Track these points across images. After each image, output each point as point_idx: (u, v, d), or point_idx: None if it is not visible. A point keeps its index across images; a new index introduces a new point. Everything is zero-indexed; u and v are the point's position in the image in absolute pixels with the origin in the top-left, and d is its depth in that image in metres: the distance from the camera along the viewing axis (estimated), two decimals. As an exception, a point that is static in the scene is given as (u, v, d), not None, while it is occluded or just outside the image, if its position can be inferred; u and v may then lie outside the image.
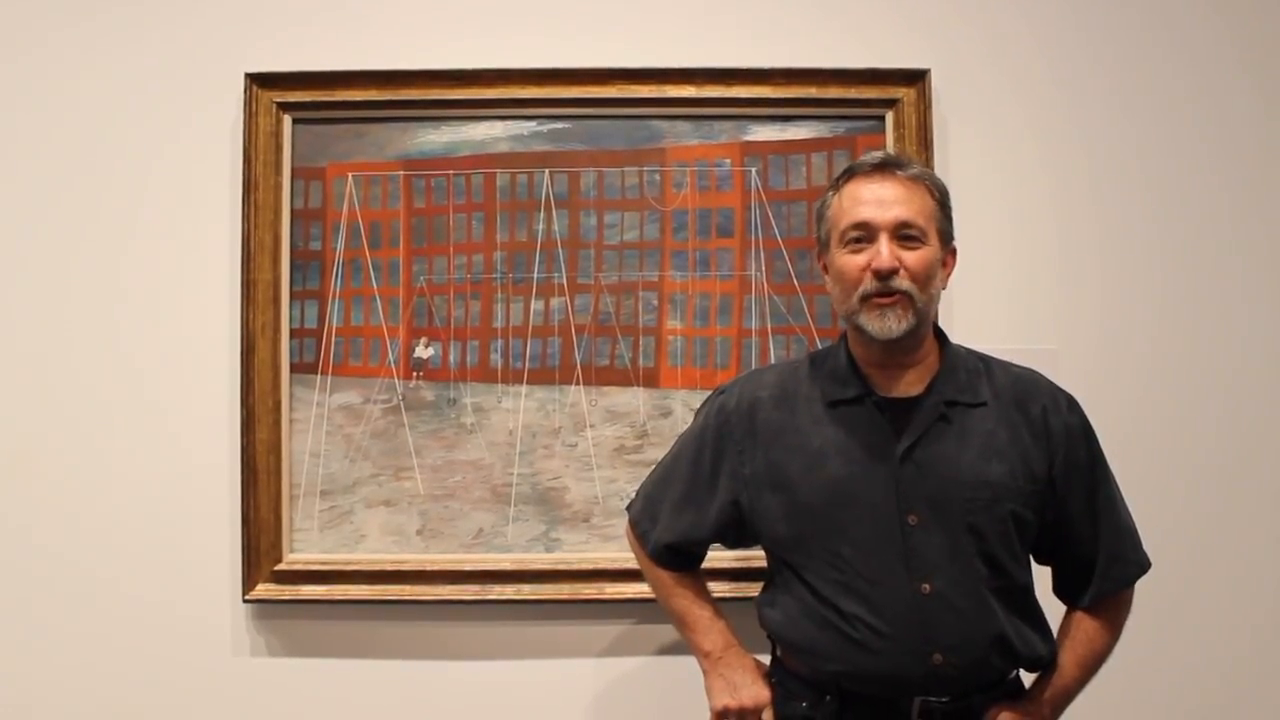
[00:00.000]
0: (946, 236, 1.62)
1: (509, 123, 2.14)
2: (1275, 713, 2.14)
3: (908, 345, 1.59)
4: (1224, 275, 2.16)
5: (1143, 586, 1.68)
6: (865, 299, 1.55)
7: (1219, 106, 2.18)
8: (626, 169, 2.14)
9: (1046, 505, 1.61)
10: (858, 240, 1.57)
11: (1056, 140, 2.16)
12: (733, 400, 1.71)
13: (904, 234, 1.55)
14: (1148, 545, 1.69)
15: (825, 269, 1.66)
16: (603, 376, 2.13)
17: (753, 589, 1.81)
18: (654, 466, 1.84)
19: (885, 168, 1.59)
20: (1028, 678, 1.68)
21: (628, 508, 1.85)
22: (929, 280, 1.56)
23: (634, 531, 1.81)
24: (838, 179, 1.64)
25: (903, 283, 1.54)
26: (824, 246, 1.65)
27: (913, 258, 1.55)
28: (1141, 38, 2.18)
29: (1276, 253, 2.17)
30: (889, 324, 1.54)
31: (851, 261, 1.57)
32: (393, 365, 2.12)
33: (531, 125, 2.14)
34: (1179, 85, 2.18)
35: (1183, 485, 2.14)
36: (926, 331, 1.62)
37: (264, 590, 2.07)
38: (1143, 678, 2.08)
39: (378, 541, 2.11)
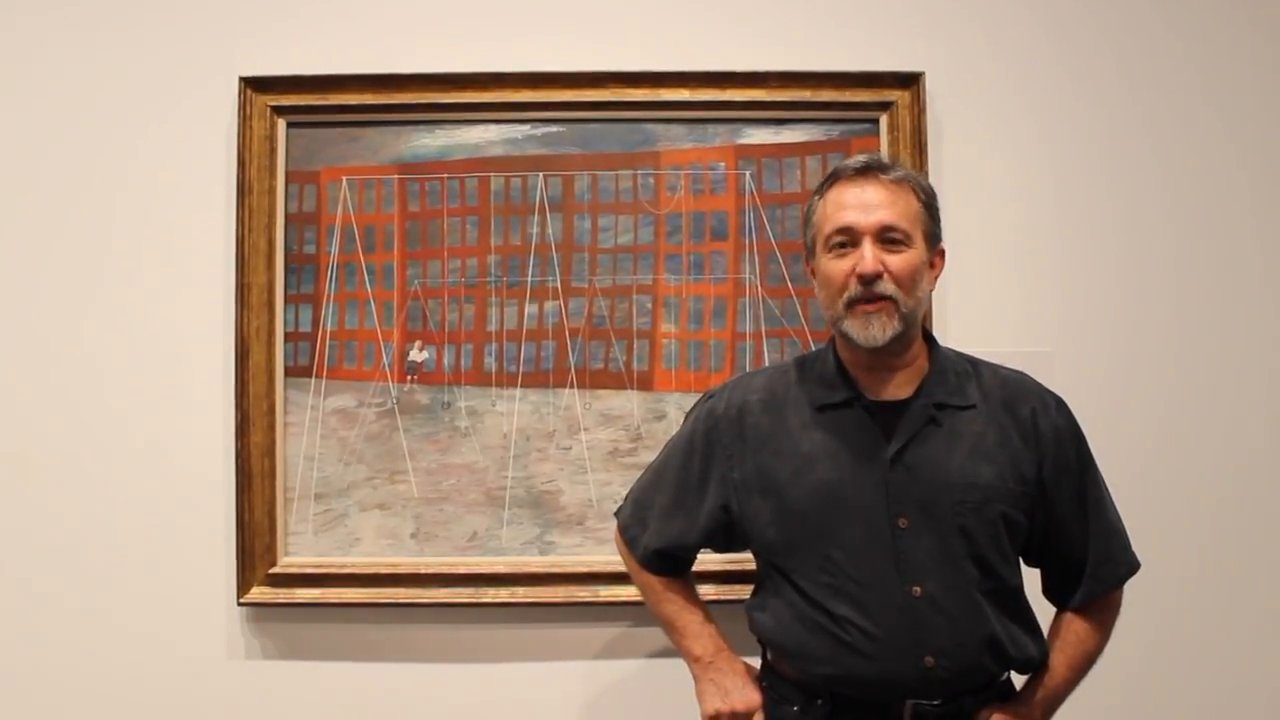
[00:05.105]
0: (933, 238, 1.61)
1: (503, 126, 2.14)
2: (1266, 714, 2.13)
3: (895, 349, 1.58)
4: (1219, 276, 2.16)
5: (1134, 587, 1.68)
6: (850, 305, 1.55)
7: (1215, 109, 2.17)
8: (621, 172, 2.14)
9: (1036, 507, 1.60)
10: (842, 245, 1.56)
11: (1050, 142, 2.16)
12: (721, 405, 1.70)
13: (888, 237, 1.54)
14: (1141, 546, 1.68)
15: (813, 274, 1.65)
16: (597, 380, 2.13)
17: (741, 592, 1.81)
18: (642, 471, 1.84)
19: (868, 171, 1.58)
20: (1018, 679, 1.68)
21: (616, 513, 1.85)
22: (914, 284, 1.55)
23: (623, 537, 1.81)
24: (822, 184, 1.63)
25: (887, 287, 1.53)
26: (811, 252, 1.64)
27: (897, 261, 1.54)
28: (1137, 40, 2.17)
29: (1272, 254, 2.16)
30: (873, 331, 1.54)
31: (836, 266, 1.56)
32: (387, 369, 2.13)
33: (525, 129, 2.14)
34: (1175, 87, 2.17)
35: (1177, 486, 2.14)
36: (914, 334, 1.61)
37: (258, 593, 2.08)
38: (1133, 679, 2.08)
39: (372, 545, 2.11)
